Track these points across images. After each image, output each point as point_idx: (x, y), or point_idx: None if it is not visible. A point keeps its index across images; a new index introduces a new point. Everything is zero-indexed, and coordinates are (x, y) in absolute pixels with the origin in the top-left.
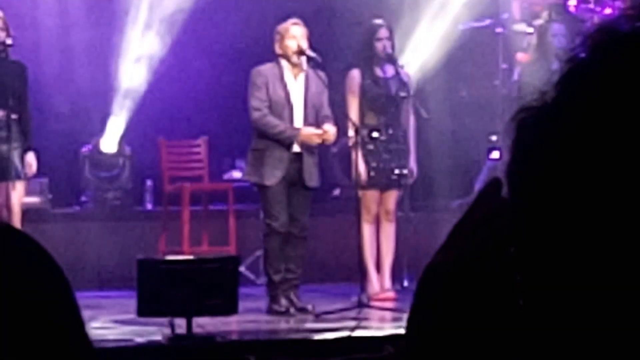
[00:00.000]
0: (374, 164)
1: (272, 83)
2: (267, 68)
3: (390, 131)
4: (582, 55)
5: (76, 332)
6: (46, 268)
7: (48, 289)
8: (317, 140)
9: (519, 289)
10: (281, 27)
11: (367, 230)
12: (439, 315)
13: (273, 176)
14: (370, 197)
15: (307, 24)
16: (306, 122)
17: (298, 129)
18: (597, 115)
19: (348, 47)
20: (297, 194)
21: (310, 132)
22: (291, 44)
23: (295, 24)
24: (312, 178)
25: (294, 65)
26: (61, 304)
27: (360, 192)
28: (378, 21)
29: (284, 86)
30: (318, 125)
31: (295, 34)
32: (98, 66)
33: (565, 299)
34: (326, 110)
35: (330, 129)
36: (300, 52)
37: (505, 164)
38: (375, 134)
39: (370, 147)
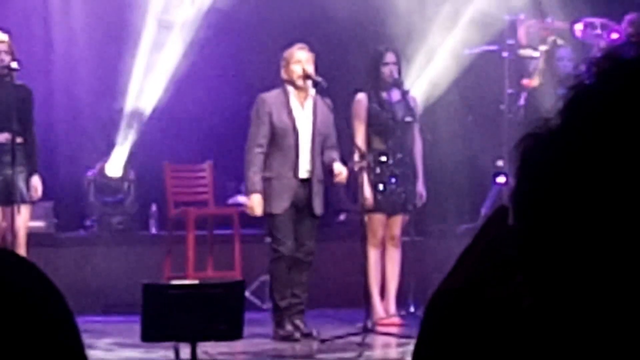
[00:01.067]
0: (381, 188)
1: (276, 110)
2: (272, 95)
3: (397, 155)
4: (587, 81)
5: (76, 358)
6: (47, 294)
7: (49, 314)
8: (252, 214)
9: (527, 315)
10: (287, 52)
11: (373, 255)
12: (446, 342)
13: (281, 205)
14: (377, 221)
15: (313, 49)
16: (313, 149)
17: (254, 190)
18: (602, 142)
19: (354, 71)
20: (304, 219)
21: (254, 205)
22: (296, 69)
23: (300, 48)
24: (319, 206)
25: (300, 90)
26: (62, 330)
27: (366, 217)
28: (385, 46)
29: (290, 113)
30: (322, 153)
31: (300, 58)
32: (104, 91)
33: (573, 325)
34: (332, 140)
35: (342, 171)
36: (306, 77)
37: (511, 190)
38: (382, 158)
39: (377, 171)
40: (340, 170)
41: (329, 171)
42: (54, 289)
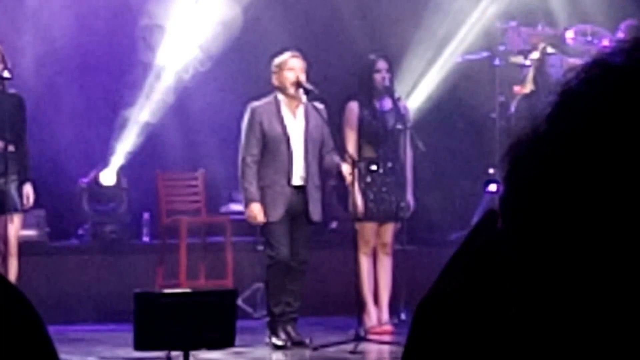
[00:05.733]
0: (371, 197)
1: (267, 119)
2: (262, 104)
3: (388, 164)
4: (575, 87)
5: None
6: (14, 304)
7: (16, 326)
8: (254, 223)
9: (516, 321)
10: (279, 59)
11: (365, 263)
12: (434, 348)
13: (275, 212)
14: (368, 229)
15: (306, 56)
16: (306, 157)
17: (252, 199)
18: (588, 147)
19: (346, 79)
20: (299, 227)
21: (254, 214)
22: (289, 76)
23: (293, 56)
24: (315, 212)
25: (291, 98)
26: (31, 340)
27: (357, 225)
28: (377, 53)
29: (281, 120)
30: (321, 159)
31: (293, 66)
32: (98, 99)
33: (563, 331)
34: (330, 144)
35: (347, 170)
36: (298, 85)
37: (500, 195)
38: (372, 167)
39: (368, 179)
40: (349, 170)
41: (337, 172)
42: (21, 297)
